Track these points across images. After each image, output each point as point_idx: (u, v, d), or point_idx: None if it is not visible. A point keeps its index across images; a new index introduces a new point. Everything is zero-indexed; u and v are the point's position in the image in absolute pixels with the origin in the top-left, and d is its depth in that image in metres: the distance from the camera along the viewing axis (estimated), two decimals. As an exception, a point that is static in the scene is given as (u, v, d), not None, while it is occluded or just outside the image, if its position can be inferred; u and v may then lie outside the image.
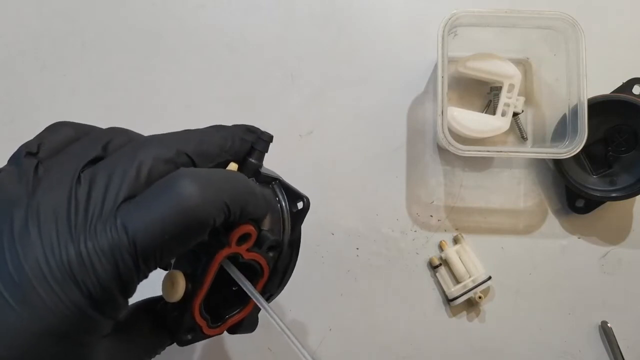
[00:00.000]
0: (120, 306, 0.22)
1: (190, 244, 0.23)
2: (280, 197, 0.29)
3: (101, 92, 0.49)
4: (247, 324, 0.30)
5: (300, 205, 0.29)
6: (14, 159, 0.24)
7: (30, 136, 0.51)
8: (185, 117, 0.49)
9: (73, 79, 0.49)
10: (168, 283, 0.26)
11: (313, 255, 0.48)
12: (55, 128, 0.26)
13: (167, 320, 0.27)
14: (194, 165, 0.25)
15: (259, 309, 0.30)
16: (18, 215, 0.21)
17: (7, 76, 0.49)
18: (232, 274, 0.27)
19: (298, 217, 0.29)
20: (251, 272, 0.28)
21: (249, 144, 0.28)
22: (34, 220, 0.21)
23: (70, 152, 0.25)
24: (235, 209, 0.24)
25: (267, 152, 0.29)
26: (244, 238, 0.26)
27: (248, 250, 0.27)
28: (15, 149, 0.52)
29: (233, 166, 0.28)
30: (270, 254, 0.28)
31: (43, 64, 0.49)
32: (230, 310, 0.29)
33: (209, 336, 0.28)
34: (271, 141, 0.29)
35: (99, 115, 0.49)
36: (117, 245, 0.21)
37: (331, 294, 0.47)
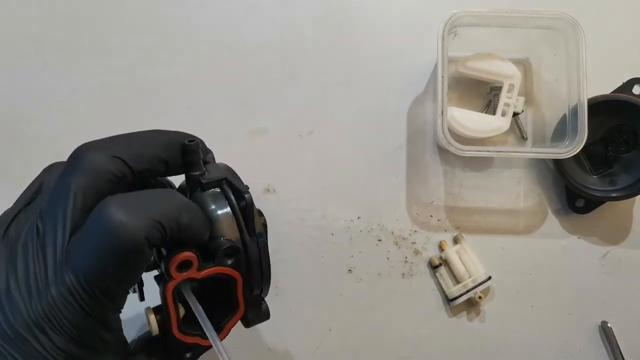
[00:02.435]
0: (106, 340, 0.24)
1: (137, 266, 0.24)
2: (231, 197, 0.29)
3: (101, 93, 0.49)
4: (253, 318, 0.30)
5: (243, 202, 0.28)
6: (15, 203, 0.27)
7: (31, 136, 0.51)
8: (186, 117, 0.49)
9: (73, 79, 0.49)
10: (147, 320, 0.28)
11: (313, 255, 0.48)
12: (52, 168, 0.29)
13: (167, 348, 0.29)
14: (129, 168, 0.26)
15: (260, 303, 0.30)
16: (2, 275, 0.24)
17: (7, 76, 0.49)
18: (188, 301, 0.27)
19: (247, 211, 0.28)
20: (224, 283, 0.28)
21: (180, 150, 0.28)
22: (13, 278, 0.23)
23: (37, 197, 0.26)
24: (170, 223, 0.24)
25: (202, 157, 0.29)
26: (184, 265, 0.26)
27: (199, 269, 0.26)
28: (16, 149, 0.52)
29: None
30: (229, 261, 0.27)
31: (43, 64, 0.49)
32: (226, 316, 0.29)
33: (211, 346, 0.29)
34: (199, 147, 0.29)
35: (99, 115, 0.49)
36: (74, 288, 0.23)
37: (331, 294, 0.47)
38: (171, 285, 0.26)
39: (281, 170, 0.48)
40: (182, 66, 0.49)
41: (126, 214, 0.23)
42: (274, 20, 0.50)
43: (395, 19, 0.50)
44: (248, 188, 0.29)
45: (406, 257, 0.48)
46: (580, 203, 0.48)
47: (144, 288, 0.32)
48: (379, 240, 0.48)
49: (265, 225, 0.30)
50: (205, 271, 0.27)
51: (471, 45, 0.47)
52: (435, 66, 0.48)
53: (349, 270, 0.48)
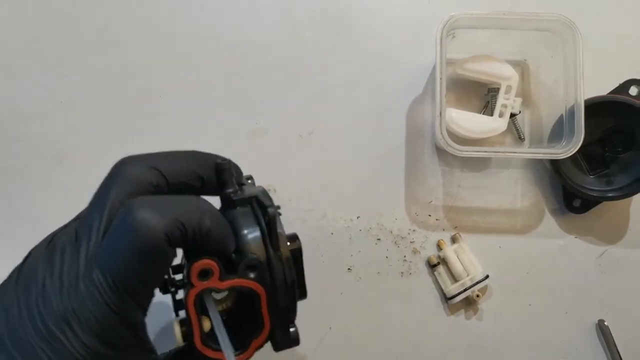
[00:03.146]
0: (129, 339, 0.25)
1: (159, 265, 0.25)
2: (259, 214, 0.29)
3: (102, 93, 0.49)
4: (282, 341, 0.30)
5: (266, 218, 0.29)
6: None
7: (31, 136, 0.51)
8: (186, 117, 0.49)
9: (73, 80, 0.49)
10: (173, 332, 0.28)
11: (313, 254, 0.48)
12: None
13: None
14: (165, 180, 0.27)
15: (288, 325, 0.30)
16: (40, 273, 0.25)
17: (7, 76, 0.49)
18: (209, 312, 0.27)
19: (271, 226, 0.29)
20: (247, 297, 0.28)
21: (214, 169, 0.29)
22: (49, 275, 0.25)
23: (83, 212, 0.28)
24: (192, 225, 0.25)
25: (233, 176, 0.30)
26: (205, 273, 0.26)
27: (220, 279, 0.27)
28: (16, 150, 0.53)
29: None
30: (252, 275, 0.27)
31: (43, 64, 0.49)
32: (252, 334, 0.29)
33: None
34: (230, 165, 0.30)
35: (99, 116, 0.49)
36: (100, 285, 0.24)
37: (331, 293, 0.48)
38: (192, 292, 0.26)
39: (281, 170, 0.49)
40: (182, 66, 0.50)
41: (148, 211, 0.24)
42: (274, 21, 0.50)
43: (395, 21, 0.50)
44: (277, 206, 0.29)
45: (405, 256, 0.48)
46: (577, 203, 0.48)
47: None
48: (378, 239, 0.48)
49: (299, 250, 0.30)
50: (227, 282, 0.27)
51: (469, 47, 0.47)
52: (434, 68, 0.48)
53: (349, 269, 0.48)
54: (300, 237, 0.30)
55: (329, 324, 0.48)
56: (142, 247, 0.23)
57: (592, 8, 0.50)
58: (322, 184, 0.49)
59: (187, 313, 0.27)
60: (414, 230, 0.49)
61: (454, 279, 0.48)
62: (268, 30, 0.50)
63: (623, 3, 0.51)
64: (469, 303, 0.48)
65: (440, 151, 0.49)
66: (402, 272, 0.48)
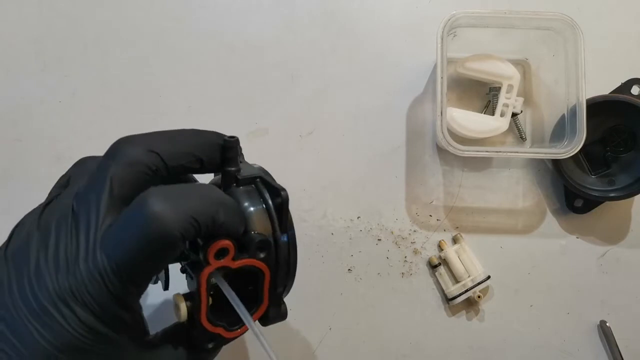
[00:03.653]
0: (127, 321, 0.25)
1: (167, 259, 0.25)
2: (265, 195, 0.30)
3: (102, 93, 0.49)
4: (274, 316, 0.31)
5: (279, 199, 0.29)
6: (47, 197, 0.28)
7: (30, 137, 0.51)
8: (186, 117, 0.49)
9: (74, 80, 0.49)
10: (174, 307, 0.29)
11: (313, 255, 0.48)
12: (80, 162, 0.30)
13: (190, 337, 0.29)
14: (164, 162, 0.27)
15: (281, 301, 0.31)
16: (33, 251, 0.25)
17: (7, 76, 0.49)
18: (222, 289, 0.28)
19: (281, 210, 0.30)
20: (253, 275, 0.29)
21: (220, 148, 0.30)
22: (43, 254, 0.24)
23: (73, 185, 0.27)
24: (206, 221, 0.25)
25: (239, 154, 0.31)
26: (221, 253, 0.27)
27: (234, 259, 0.28)
28: (16, 150, 0.53)
29: None
30: (262, 255, 0.29)
31: (44, 64, 0.49)
32: (249, 310, 0.30)
33: (232, 338, 0.30)
34: (238, 143, 0.30)
35: (100, 116, 0.49)
36: (104, 269, 0.24)
37: (331, 293, 0.48)
38: (207, 270, 0.27)
39: (281, 170, 0.48)
40: (182, 66, 0.49)
41: (165, 208, 0.24)
42: (274, 20, 0.50)
43: (395, 20, 0.50)
44: (283, 188, 0.30)
45: (405, 257, 0.48)
46: (578, 203, 0.48)
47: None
48: (379, 239, 0.48)
49: (292, 224, 0.31)
50: (240, 261, 0.28)
51: (470, 46, 0.47)
52: (435, 67, 0.48)
53: (349, 269, 0.48)
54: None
55: (329, 324, 0.47)
56: (154, 241, 0.24)
57: (593, 7, 0.50)
58: (322, 184, 0.48)
59: (198, 290, 0.27)
60: (414, 231, 0.48)
61: (455, 279, 0.47)
62: (268, 30, 0.50)
63: (624, 2, 0.51)
64: (470, 304, 0.48)
65: (441, 151, 0.49)
66: (402, 273, 0.48)
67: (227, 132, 0.49)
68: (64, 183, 0.29)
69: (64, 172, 0.31)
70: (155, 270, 0.26)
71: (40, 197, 0.29)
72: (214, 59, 0.50)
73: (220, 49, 0.50)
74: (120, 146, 0.27)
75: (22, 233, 0.26)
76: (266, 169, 0.35)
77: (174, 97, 0.49)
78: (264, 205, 0.30)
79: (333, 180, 0.48)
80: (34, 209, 0.28)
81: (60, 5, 0.50)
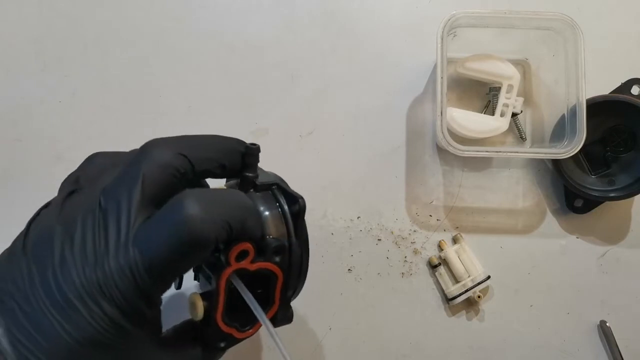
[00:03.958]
0: (147, 315, 0.26)
1: (198, 260, 0.26)
2: (281, 201, 0.31)
3: (102, 93, 0.49)
4: (281, 318, 0.32)
5: (297, 207, 0.31)
6: (59, 192, 0.29)
7: (30, 137, 0.51)
8: (187, 117, 0.49)
9: (74, 80, 0.49)
10: (190, 305, 0.30)
11: (313, 255, 0.47)
12: (92, 158, 0.30)
13: (202, 336, 0.30)
14: (192, 166, 0.28)
15: (289, 305, 0.32)
16: (57, 245, 0.25)
17: (7, 77, 0.49)
18: (239, 290, 0.28)
19: (298, 217, 0.31)
20: (266, 278, 0.30)
21: (241, 155, 0.31)
22: (69, 247, 0.25)
23: (98, 180, 0.28)
24: (237, 226, 0.26)
25: (258, 162, 0.32)
26: (242, 255, 0.28)
27: (252, 262, 0.28)
28: (16, 150, 0.53)
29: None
30: (277, 258, 0.30)
31: (44, 64, 0.49)
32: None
33: (243, 339, 0.31)
34: (259, 151, 0.31)
35: (100, 116, 0.49)
36: (135, 266, 0.24)
37: (331, 293, 0.48)
38: (228, 271, 0.28)
39: (281, 170, 0.48)
40: (182, 66, 0.49)
41: (202, 211, 0.24)
42: (274, 20, 0.50)
43: (395, 20, 0.50)
44: (300, 195, 0.31)
45: (405, 257, 0.48)
46: (578, 203, 0.48)
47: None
48: (379, 239, 0.48)
49: (306, 231, 0.32)
50: (257, 264, 0.29)
51: (470, 46, 0.47)
52: (435, 67, 0.48)
53: (349, 269, 0.48)
54: None
55: (329, 324, 0.47)
56: (190, 243, 0.24)
57: (593, 7, 0.50)
58: (322, 184, 0.48)
59: (218, 289, 0.28)
60: (414, 231, 0.48)
61: (455, 279, 0.47)
62: (268, 30, 0.50)
63: (624, 2, 0.51)
64: (470, 304, 0.48)
65: (441, 151, 0.49)
66: (402, 273, 0.48)
67: (227, 133, 0.49)
68: (75, 179, 0.29)
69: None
70: (184, 270, 0.26)
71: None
72: (214, 59, 0.50)
73: (220, 49, 0.50)
74: (152, 147, 0.27)
75: (40, 226, 0.26)
76: (266, 168, 0.35)
77: (174, 97, 0.49)
78: (280, 210, 0.31)
79: (333, 180, 0.48)
80: (49, 203, 0.28)
81: (60, 5, 0.50)
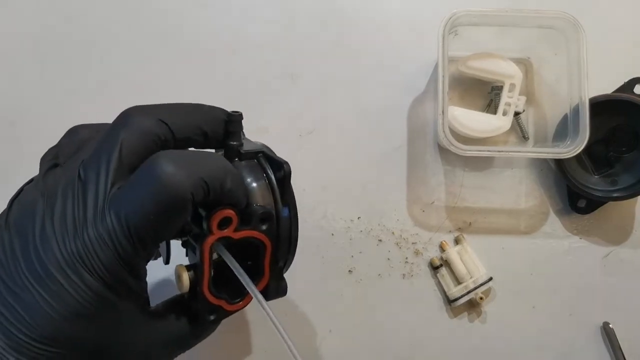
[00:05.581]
0: (133, 287, 0.25)
1: (176, 220, 0.25)
2: (267, 168, 0.30)
3: (101, 93, 0.49)
4: (274, 291, 0.31)
5: (282, 172, 0.30)
6: (40, 166, 0.28)
7: (31, 137, 0.51)
8: (186, 117, 0.49)
9: (73, 80, 0.49)
10: (176, 277, 0.29)
11: (313, 255, 0.47)
12: (72, 131, 0.30)
13: (191, 308, 0.29)
14: (172, 134, 0.27)
15: (281, 277, 0.31)
16: (38, 217, 0.24)
17: (7, 76, 0.49)
18: (224, 258, 0.28)
19: (284, 183, 0.30)
20: (254, 248, 0.29)
21: (224, 123, 0.30)
22: (49, 219, 0.24)
23: (79, 152, 0.27)
24: (214, 185, 0.25)
25: (242, 129, 0.31)
26: (225, 222, 0.27)
27: (235, 230, 0.28)
28: (16, 149, 0.53)
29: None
30: (264, 227, 0.29)
31: (43, 64, 0.49)
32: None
33: (234, 311, 0.30)
34: (242, 118, 0.30)
35: (99, 116, 0.49)
36: (114, 232, 0.23)
37: (331, 295, 0.47)
38: (210, 240, 0.27)
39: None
40: (181, 66, 0.49)
41: (176, 168, 0.24)
42: (274, 20, 0.50)
43: (396, 19, 0.50)
44: (286, 161, 0.30)
45: (407, 258, 0.48)
46: (581, 203, 0.47)
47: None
48: (380, 240, 0.48)
49: (293, 198, 0.31)
50: (242, 232, 0.28)
51: (472, 45, 0.47)
52: (436, 66, 0.48)
53: (349, 270, 0.48)
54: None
55: (329, 327, 0.47)
56: (166, 200, 0.24)
57: (596, 5, 0.50)
58: (322, 183, 0.48)
59: (201, 259, 0.28)
60: (416, 232, 0.48)
61: (457, 281, 0.47)
62: (268, 29, 0.50)
63: (627, 0, 0.50)
64: (472, 305, 0.47)
65: (442, 150, 0.49)
66: (404, 274, 0.48)
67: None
68: (56, 153, 0.28)
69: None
70: (164, 233, 0.25)
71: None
72: (214, 58, 0.49)
73: (221, 48, 0.50)
74: (132, 114, 0.27)
75: (24, 201, 0.26)
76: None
77: (173, 97, 0.48)
78: (266, 179, 0.30)
79: (333, 180, 0.48)
80: (33, 179, 0.28)
81: (60, 5, 0.50)
